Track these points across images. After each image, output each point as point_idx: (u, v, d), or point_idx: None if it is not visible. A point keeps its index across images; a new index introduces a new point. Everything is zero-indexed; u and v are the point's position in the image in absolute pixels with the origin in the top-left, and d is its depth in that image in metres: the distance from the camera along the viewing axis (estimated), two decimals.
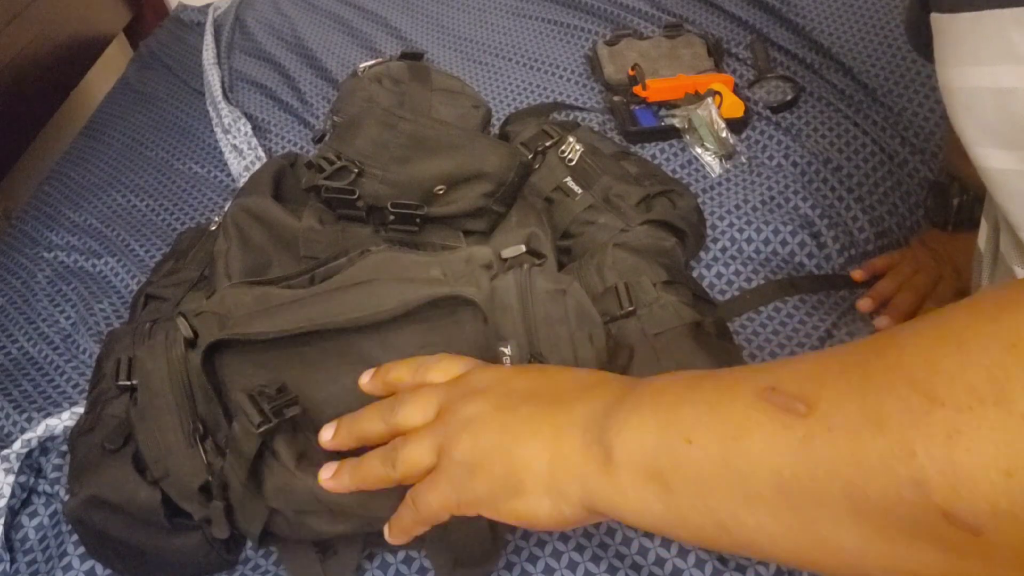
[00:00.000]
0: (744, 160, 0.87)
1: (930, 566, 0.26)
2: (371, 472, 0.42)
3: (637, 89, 0.97)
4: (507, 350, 0.51)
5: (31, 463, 0.68)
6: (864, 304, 0.70)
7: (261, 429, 0.46)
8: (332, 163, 0.69)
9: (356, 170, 0.68)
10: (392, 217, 0.69)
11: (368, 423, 0.44)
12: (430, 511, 0.40)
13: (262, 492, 0.50)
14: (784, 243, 0.77)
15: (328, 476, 0.44)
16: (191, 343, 0.52)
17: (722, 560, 0.55)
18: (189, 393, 0.51)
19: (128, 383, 0.56)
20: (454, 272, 0.54)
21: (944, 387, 0.25)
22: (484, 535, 0.51)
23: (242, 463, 0.49)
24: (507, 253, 0.57)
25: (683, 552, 0.55)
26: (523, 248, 0.57)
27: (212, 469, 0.51)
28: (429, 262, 0.55)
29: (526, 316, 0.52)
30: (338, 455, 0.45)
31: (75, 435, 0.59)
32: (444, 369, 0.44)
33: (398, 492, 0.44)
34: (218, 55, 1.25)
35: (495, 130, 0.93)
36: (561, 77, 1.07)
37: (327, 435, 0.45)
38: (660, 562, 0.55)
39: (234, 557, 0.60)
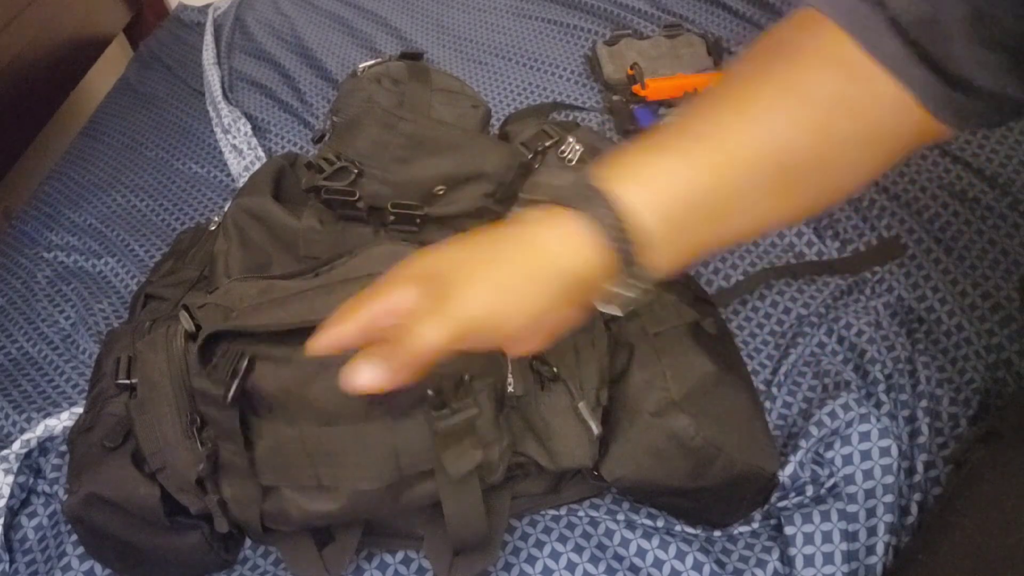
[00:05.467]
0: None
1: None
2: (339, 321, 0.42)
3: (636, 88, 0.97)
4: None
5: (30, 463, 0.68)
6: None
7: (230, 399, 0.47)
8: (332, 164, 0.69)
9: (356, 170, 0.68)
10: (392, 217, 0.69)
11: (339, 321, 0.42)
12: (422, 344, 0.39)
13: (255, 470, 0.50)
14: (782, 236, 0.77)
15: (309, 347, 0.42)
16: (192, 336, 0.52)
17: (719, 563, 0.55)
18: (188, 385, 0.51)
19: (127, 381, 0.56)
20: None
21: None
22: (478, 511, 0.51)
23: (235, 440, 0.49)
24: None
25: (681, 554, 0.55)
26: None
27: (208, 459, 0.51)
28: None
29: None
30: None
31: (74, 434, 0.59)
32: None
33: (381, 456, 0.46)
34: (218, 55, 1.25)
35: (495, 130, 0.93)
36: (561, 77, 1.07)
37: (309, 348, 0.43)
38: (658, 564, 0.55)
39: (232, 557, 0.60)
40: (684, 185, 0.41)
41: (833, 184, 0.44)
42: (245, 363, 0.47)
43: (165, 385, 0.51)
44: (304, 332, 0.48)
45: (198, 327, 0.51)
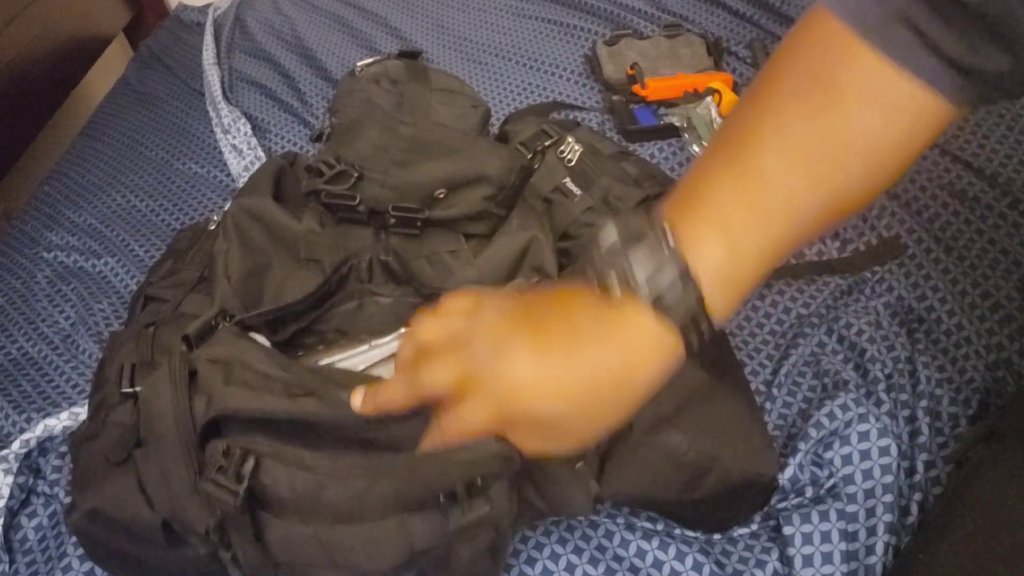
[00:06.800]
0: None
1: None
2: (393, 392, 0.46)
3: (636, 88, 0.97)
4: None
5: (30, 464, 0.68)
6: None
7: (239, 502, 0.46)
8: (332, 167, 0.69)
9: (356, 174, 0.68)
10: (393, 221, 0.69)
11: (392, 391, 0.46)
12: (467, 427, 0.42)
13: (268, 550, 0.49)
14: None
15: (356, 401, 0.47)
16: (194, 373, 0.51)
17: (719, 564, 0.55)
18: (194, 436, 0.50)
19: (132, 390, 0.56)
20: None
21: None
22: (486, 567, 0.50)
23: (245, 535, 0.48)
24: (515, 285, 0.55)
25: (680, 555, 0.55)
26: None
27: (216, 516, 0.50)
28: None
29: None
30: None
31: (78, 441, 0.58)
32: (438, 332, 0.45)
33: (401, 545, 0.47)
34: (218, 55, 1.25)
35: (494, 130, 0.93)
36: (560, 77, 1.07)
37: (355, 402, 0.47)
38: (658, 565, 0.55)
39: None
40: (759, 276, 0.43)
41: (875, 192, 0.46)
42: (251, 465, 0.46)
43: (172, 440, 0.49)
44: (310, 427, 0.48)
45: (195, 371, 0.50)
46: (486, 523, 0.47)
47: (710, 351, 0.59)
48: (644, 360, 0.41)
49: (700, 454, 0.51)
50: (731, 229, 0.41)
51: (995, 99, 0.43)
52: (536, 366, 0.41)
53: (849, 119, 0.42)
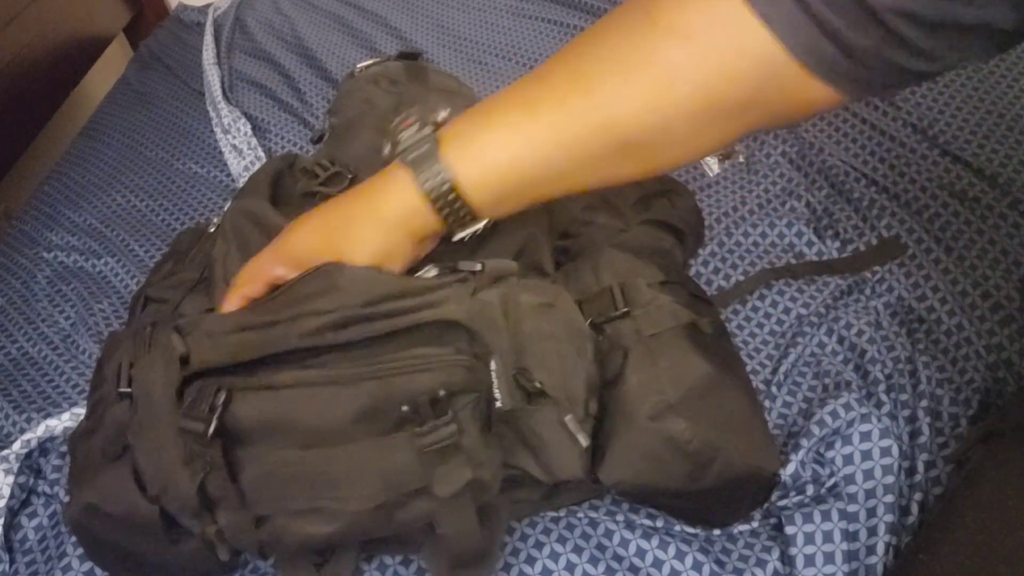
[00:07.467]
0: (742, 160, 0.87)
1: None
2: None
3: None
4: (492, 365, 0.50)
5: (30, 464, 0.68)
6: None
7: (211, 433, 0.47)
8: (326, 169, 0.69)
9: (350, 175, 0.68)
10: None
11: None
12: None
13: (245, 502, 0.49)
14: (782, 236, 0.77)
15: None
16: (185, 360, 0.52)
17: (719, 563, 0.55)
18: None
19: (129, 390, 0.56)
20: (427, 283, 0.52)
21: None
22: (473, 530, 0.50)
23: (221, 474, 0.49)
24: (491, 265, 0.54)
25: (680, 554, 0.55)
26: (513, 265, 0.55)
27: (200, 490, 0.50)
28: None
29: (512, 332, 0.51)
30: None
31: (76, 438, 0.59)
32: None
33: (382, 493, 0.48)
34: (218, 55, 1.26)
35: None
36: None
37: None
38: (658, 564, 0.55)
39: (233, 561, 0.60)
40: (513, 161, 0.46)
41: (681, 153, 0.45)
42: (223, 397, 0.48)
43: (163, 414, 0.50)
44: (276, 357, 0.49)
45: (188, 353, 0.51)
46: (462, 460, 0.48)
47: (714, 347, 0.59)
48: (399, 213, 0.49)
49: (704, 444, 0.51)
50: (485, 135, 0.47)
51: (861, 87, 0.39)
52: (318, 241, 0.52)
53: (643, 50, 0.41)
